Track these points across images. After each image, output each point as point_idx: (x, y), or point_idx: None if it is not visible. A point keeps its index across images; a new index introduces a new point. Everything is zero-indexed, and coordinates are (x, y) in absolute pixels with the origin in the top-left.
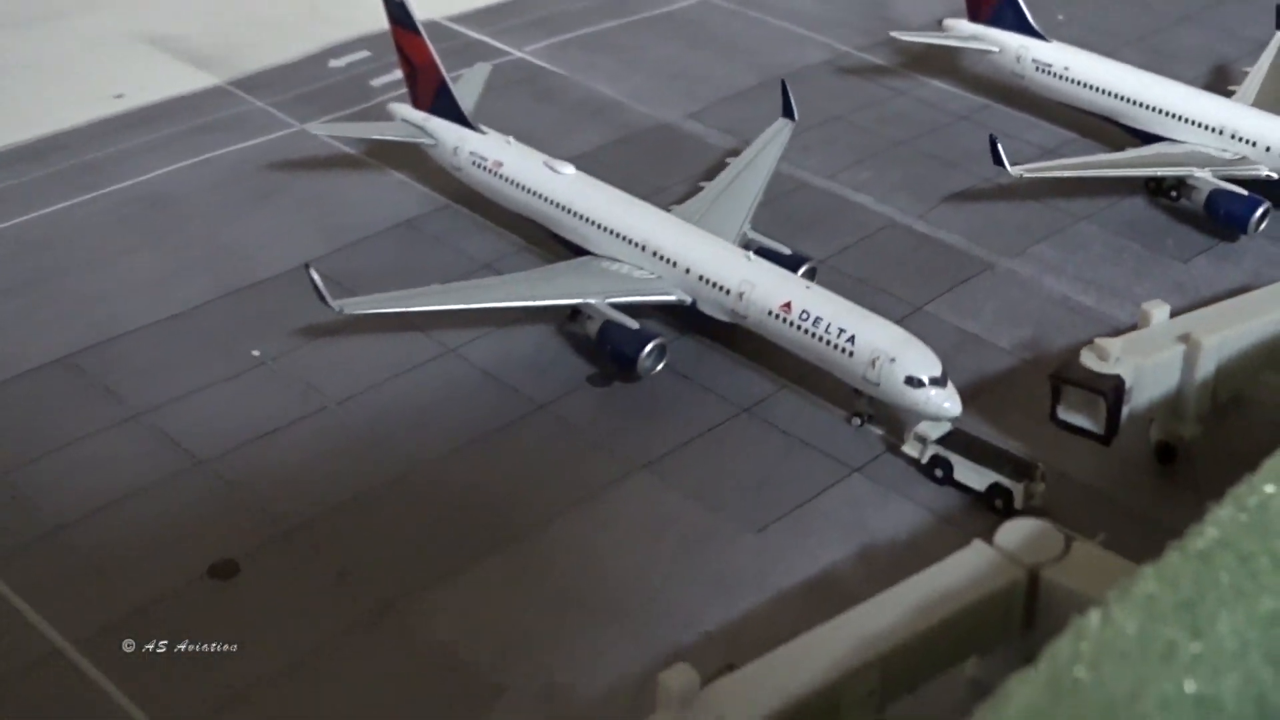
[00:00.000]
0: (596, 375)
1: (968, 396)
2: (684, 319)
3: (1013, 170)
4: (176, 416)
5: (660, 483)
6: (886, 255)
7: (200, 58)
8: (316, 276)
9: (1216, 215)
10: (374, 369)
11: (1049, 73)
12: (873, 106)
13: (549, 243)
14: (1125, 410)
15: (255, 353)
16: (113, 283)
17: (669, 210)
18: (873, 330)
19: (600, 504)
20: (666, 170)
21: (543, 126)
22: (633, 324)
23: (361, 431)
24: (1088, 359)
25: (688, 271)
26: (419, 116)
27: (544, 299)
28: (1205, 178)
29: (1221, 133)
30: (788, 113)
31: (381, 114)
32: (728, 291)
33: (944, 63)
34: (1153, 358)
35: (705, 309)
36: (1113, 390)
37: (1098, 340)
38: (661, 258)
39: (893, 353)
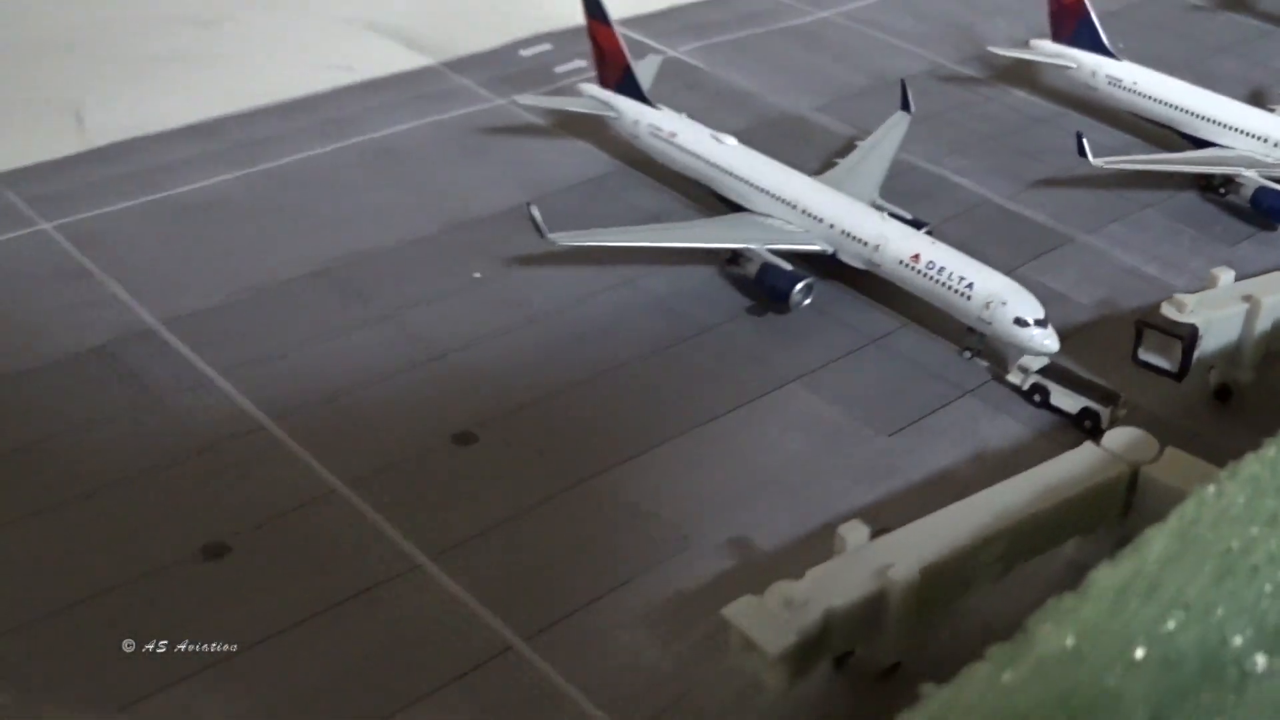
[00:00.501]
0: (754, 307)
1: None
2: (826, 266)
3: (1094, 161)
4: (414, 319)
5: (808, 392)
6: (984, 226)
7: (414, 42)
8: (537, 213)
9: (1260, 208)
10: (568, 292)
11: (1119, 86)
12: (966, 108)
13: (707, 200)
14: (1194, 355)
15: (476, 275)
16: (356, 213)
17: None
18: (988, 279)
19: (760, 406)
20: (799, 151)
21: (694, 112)
22: (787, 265)
23: (561, 340)
24: (1168, 309)
25: (832, 226)
26: (607, 94)
27: (718, 243)
28: (1252, 177)
29: (1266, 140)
30: (905, 106)
31: (567, 93)
32: (865, 244)
33: (1025, 75)
34: (1221, 311)
35: (844, 258)
36: (1189, 335)
37: (1176, 295)
38: (809, 214)
39: (1004, 297)
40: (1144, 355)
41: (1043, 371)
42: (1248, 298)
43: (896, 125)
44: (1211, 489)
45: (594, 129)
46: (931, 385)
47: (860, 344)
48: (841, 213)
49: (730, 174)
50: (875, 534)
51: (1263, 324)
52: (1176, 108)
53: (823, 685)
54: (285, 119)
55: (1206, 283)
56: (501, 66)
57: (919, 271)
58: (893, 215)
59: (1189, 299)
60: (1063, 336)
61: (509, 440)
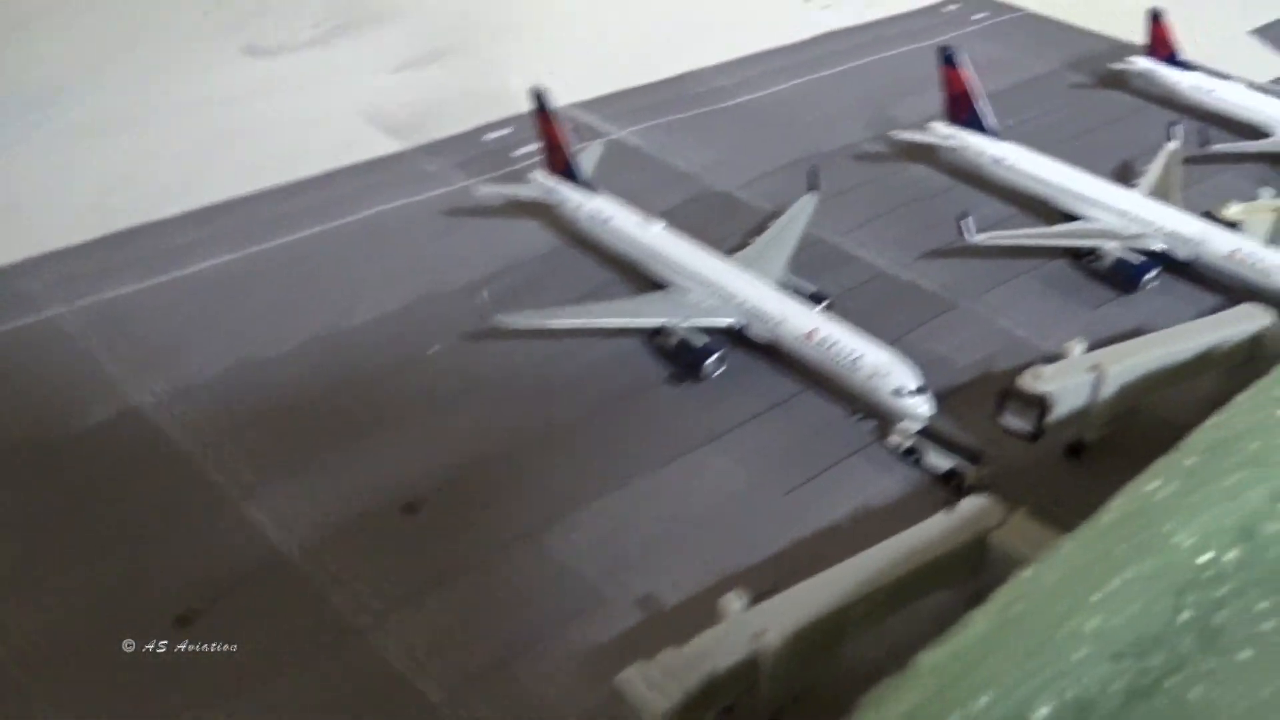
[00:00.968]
0: (674, 374)
1: (937, 401)
2: (736, 339)
3: (971, 239)
4: (378, 391)
5: (718, 454)
6: (879, 296)
7: (395, 129)
8: (488, 296)
9: (1119, 276)
10: (512, 362)
11: (1001, 165)
12: (874, 183)
13: (637, 278)
14: (1049, 417)
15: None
16: (354, 283)
17: (730, 256)
18: (875, 353)
19: (675, 467)
20: (723, 226)
21: (633, 191)
22: (703, 338)
23: (506, 405)
24: (1027, 379)
25: (741, 303)
26: (552, 181)
27: (643, 318)
28: (1113, 248)
29: (1124, 215)
30: (814, 187)
31: (521, 175)
32: (768, 320)
33: (925, 153)
34: (1071, 380)
35: (750, 335)
36: (1043, 403)
37: (1033, 366)
38: (723, 292)
39: (885, 370)
40: (1006, 419)
41: (922, 432)
42: (1095, 366)
43: (805, 206)
44: (1029, 572)
45: (544, 209)
46: (825, 445)
47: (764, 408)
48: (750, 290)
49: (656, 256)
50: (759, 597)
51: (1108, 388)
52: (1049, 185)
53: None
54: (288, 200)
55: (1061, 352)
56: (469, 150)
57: (814, 346)
58: (798, 290)
59: (1045, 370)
60: (942, 398)
61: (448, 506)
